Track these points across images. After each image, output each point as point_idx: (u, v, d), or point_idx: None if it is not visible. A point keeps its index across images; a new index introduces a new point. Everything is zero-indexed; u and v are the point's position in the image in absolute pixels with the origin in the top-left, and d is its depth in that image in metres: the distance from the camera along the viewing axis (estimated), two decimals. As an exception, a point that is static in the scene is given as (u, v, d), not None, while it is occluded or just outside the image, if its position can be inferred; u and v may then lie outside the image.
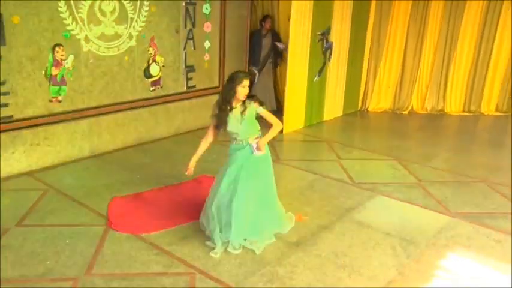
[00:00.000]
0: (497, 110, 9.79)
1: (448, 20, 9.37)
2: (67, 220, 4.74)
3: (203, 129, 7.96)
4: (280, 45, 8.89)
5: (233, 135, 4.35)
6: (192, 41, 7.66)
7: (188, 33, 7.57)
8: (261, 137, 4.36)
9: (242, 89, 4.18)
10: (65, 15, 5.92)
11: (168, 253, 4.18)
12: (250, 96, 4.28)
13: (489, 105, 9.80)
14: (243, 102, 4.25)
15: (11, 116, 5.69)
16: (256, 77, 8.97)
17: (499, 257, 4.34)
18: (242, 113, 4.25)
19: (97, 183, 5.67)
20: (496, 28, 9.29)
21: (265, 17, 8.90)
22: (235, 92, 4.17)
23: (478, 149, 7.53)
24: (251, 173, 4.31)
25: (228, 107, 4.24)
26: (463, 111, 9.83)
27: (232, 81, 4.19)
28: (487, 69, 9.56)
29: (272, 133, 4.35)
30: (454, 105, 9.86)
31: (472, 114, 9.76)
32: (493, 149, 7.60)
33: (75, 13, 6.02)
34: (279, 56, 9.12)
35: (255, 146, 4.29)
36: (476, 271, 4.11)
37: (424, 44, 9.56)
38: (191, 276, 3.84)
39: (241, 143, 4.34)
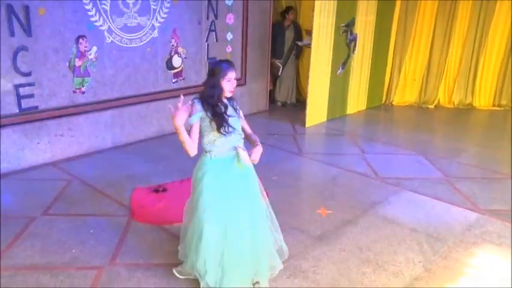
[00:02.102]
0: (529, 104, 9.62)
1: (478, 12, 9.17)
2: (91, 210, 4.83)
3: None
4: (301, 43, 8.88)
5: (226, 138, 3.43)
6: (214, 33, 7.70)
7: (210, 25, 7.60)
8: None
9: (228, 84, 3.38)
10: (89, 6, 6.00)
11: (191, 245, 4.24)
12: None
13: (521, 99, 9.64)
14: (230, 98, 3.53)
15: (36, 107, 5.81)
16: (280, 70, 8.98)
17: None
18: (235, 108, 3.56)
19: (120, 174, 5.75)
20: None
21: (288, 9, 8.88)
22: (221, 89, 3.37)
23: (508, 145, 7.40)
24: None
25: (222, 106, 3.40)
26: (493, 105, 9.67)
27: (214, 76, 3.38)
28: (519, 63, 9.38)
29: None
30: (483, 99, 9.70)
31: (502, 108, 9.57)
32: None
33: (99, 5, 6.10)
34: (301, 48, 9.11)
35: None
36: (506, 270, 4.06)
37: (452, 35, 9.40)
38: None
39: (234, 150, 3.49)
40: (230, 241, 3.42)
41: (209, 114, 3.36)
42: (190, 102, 3.38)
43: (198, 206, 3.44)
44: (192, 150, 3.40)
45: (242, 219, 3.46)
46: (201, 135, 3.46)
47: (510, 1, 8.95)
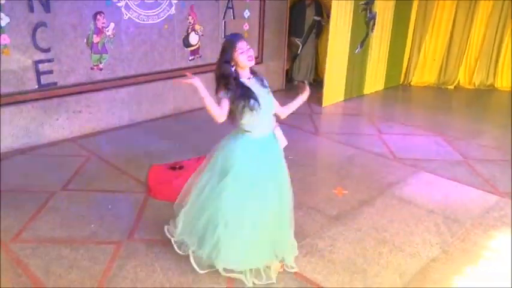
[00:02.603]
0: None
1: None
2: (109, 186, 4.90)
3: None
4: (317, 18, 8.81)
5: (260, 117, 3.35)
6: (231, 10, 7.66)
7: (228, 2, 7.57)
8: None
9: (241, 56, 3.24)
10: (107, -18, 6.02)
11: (208, 221, 4.28)
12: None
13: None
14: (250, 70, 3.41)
15: (55, 83, 5.86)
16: (300, 48, 8.93)
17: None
18: (262, 79, 3.50)
19: (137, 151, 5.81)
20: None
21: None
22: (235, 63, 3.27)
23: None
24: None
25: (242, 81, 3.31)
26: (515, 86, 9.55)
27: (225, 51, 3.27)
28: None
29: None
30: (505, 80, 9.54)
31: (526, 90, 9.45)
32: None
33: (117, -20, 6.11)
34: (322, 26, 9.04)
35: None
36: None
37: (475, 14, 9.24)
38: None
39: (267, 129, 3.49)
40: (256, 230, 3.39)
41: (237, 94, 3.23)
42: (217, 86, 3.29)
43: (224, 192, 3.33)
44: (219, 116, 3.26)
45: (271, 207, 3.41)
46: (237, 117, 3.37)
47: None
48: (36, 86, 5.71)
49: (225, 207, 3.34)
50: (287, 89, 8.97)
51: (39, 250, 3.78)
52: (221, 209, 3.34)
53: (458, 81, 9.71)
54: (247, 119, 3.32)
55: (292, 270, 3.61)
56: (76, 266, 3.60)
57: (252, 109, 3.24)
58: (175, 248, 3.70)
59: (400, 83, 9.83)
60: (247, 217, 3.36)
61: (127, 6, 6.29)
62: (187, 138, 6.32)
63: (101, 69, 6.25)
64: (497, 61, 9.46)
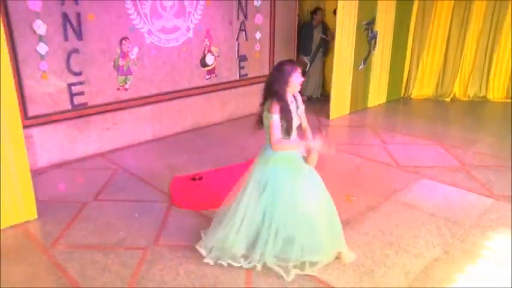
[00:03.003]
0: (540, 97, 9.43)
1: (492, 8, 9.01)
2: (135, 196, 4.95)
3: (254, 115, 8.10)
4: (323, 36, 8.88)
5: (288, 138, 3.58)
6: (244, 32, 7.74)
7: (240, 25, 7.65)
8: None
9: (296, 80, 3.49)
10: (131, 10, 6.12)
11: (226, 228, 4.32)
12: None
13: (533, 92, 9.45)
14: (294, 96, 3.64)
15: (86, 103, 5.97)
16: (308, 66, 8.98)
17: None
18: (298, 106, 3.66)
19: (159, 164, 5.86)
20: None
21: (316, 10, 8.86)
22: (289, 83, 3.48)
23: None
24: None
25: (288, 104, 3.50)
26: (506, 97, 9.45)
27: (283, 72, 3.47)
28: (531, 57, 9.20)
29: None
30: (496, 92, 9.51)
31: (515, 101, 9.42)
32: (535, 135, 7.36)
33: (140, 9, 6.21)
34: (328, 45, 9.09)
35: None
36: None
37: (467, 32, 9.24)
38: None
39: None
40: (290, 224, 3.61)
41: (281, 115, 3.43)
42: (271, 102, 3.44)
43: (268, 188, 3.56)
44: (298, 144, 3.61)
45: (321, 205, 3.69)
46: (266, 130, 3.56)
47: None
48: (70, 107, 5.82)
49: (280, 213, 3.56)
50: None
51: (75, 255, 3.85)
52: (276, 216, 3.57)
53: (454, 94, 9.67)
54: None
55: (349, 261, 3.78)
56: (108, 269, 3.66)
57: (286, 132, 3.51)
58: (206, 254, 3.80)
59: (401, 96, 9.81)
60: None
61: (149, 32, 6.39)
62: (206, 151, 6.37)
63: (126, 90, 6.34)
64: (488, 74, 9.44)
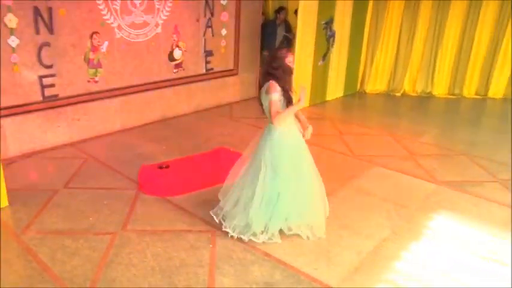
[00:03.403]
0: (476, 93, 9.75)
1: (436, 13, 9.27)
2: (104, 184, 4.88)
3: (219, 107, 8.17)
4: (286, 34, 8.90)
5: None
6: (210, 29, 7.67)
7: (207, 22, 7.58)
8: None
9: (289, 64, 3.73)
10: (102, 6, 5.99)
11: (191, 213, 4.30)
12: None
13: (470, 89, 9.76)
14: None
15: (57, 95, 5.82)
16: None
17: (476, 217, 4.45)
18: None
19: (128, 153, 5.78)
20: (477, 22, 9.21)
21: (280, 9, 8.85)
22: (286, 66, 3.71)
23: (460, 127, 7.54)
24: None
25: (288, 84, 3.74)
26: (448, 94, 9.77)
27: (279, 58, 3.70)
28: (468, 58, 9.48)
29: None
30: (440, 88, 9.78)
31: (455, 96, 9.68)
32: (472, 127, 7.59)
33: (110, 5, 6.08)
34: (291, 43, 9.11)
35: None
36: (457, 229, 4.23)
37: (415, 34, 9.45)
38: (212, 234, 3.96)
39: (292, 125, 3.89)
40: (300, 198, 3.85)
41: (281, 93, 3.65)
42: (269, 84, 3.66)
43: (279, 169, 3.75)
44: (292, 108, 3.72)
45: (308, 178, 3.90)
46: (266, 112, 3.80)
47: (463, 1, 9.10)
48: (41, 98, 5.66)
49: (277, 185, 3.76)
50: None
51: (46, 240, 3.77)
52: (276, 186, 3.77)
53: (404, 89, 9.87)
54: None
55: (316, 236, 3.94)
56: (78, 253, 3.60)
57: (288, 106, 3.71)
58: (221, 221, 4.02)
59: (357, 90, 9.93)
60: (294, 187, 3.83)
61: (119, 27, 6.26)
62: (173, 141, 6.31)
63: (96, 82, 6.21)
64: (433, 72, 9.71)
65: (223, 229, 3.94)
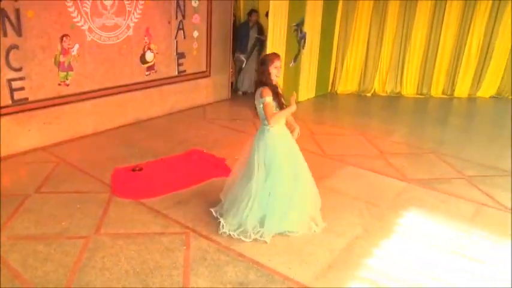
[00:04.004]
0: (443, 93, 10.02)
1: (403, 16, 9.51)
2: (77, 188, 4.80)
3: (193, 109, 8.14)
4: (258, 36, 8.95)
5: None
6: (182, 31, 7.63)
7: (179, 24, 7.54)
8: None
9: (274, 70, 3.87)
10: (72, 8, 5.89)
11: (165, 216, 4.28)
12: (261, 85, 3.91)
13: (437, 89, 10.02)
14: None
15: (27, 98, 5.69)
16: (244, 63, 9.01)
17: (444, 213, 4.57)
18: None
19: (101, 157, 5.70)
20: (442, 23, 9.48)
21: (251, 11, 8.90)
22: (269, 73, 3.86)
23: (428, 126, 7.73)
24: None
25: (277, 88, 3.93)
26: (417, 93, 10.02)
27: (264, 64, 3.89)
28: (435, 59, 9.76)
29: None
30: (409, 88, 10.03)
31: (423, 96, 9.95)
32: (440, 126, 7.80)
33: (80, 7, 5.98)
34: (263, 44, 9.15)
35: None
36: (427, 226, 4.33)
37: (384, 36, 9.67)
38: (186, 235, 3.95)
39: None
40: (296, 192, 4.02)
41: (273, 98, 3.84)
42: (261, 88, 3.84)
43: (272, 169, 3.93)
44: (287, 110, 3.95)
45: (300, 174, 4.08)
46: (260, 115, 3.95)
47: (428, 1, 9.33)
48: (10, 102, 5.53)
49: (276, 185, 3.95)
50: (232, 99, 9.00)
51: (17, 246, 3.68)
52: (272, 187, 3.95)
53: (374, 90, 10.06)
54: None
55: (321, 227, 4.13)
56: (50, 259, 3.54)
57: (280, 109, 3.92)
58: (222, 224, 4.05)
59: (328, 91, 10.04)
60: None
61: (90, 30, 6.17)
62: (146, 143, 6.25)
63: (67, 85, 6.09)
64: (402, 73, 9.94)
65: (220, 226, 4.04)
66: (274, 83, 3.92)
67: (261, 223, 3.98)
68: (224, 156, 5.78)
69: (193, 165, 5.47)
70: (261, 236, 3.92)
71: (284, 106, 3.96)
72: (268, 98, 3.83)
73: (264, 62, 3.92)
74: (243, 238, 3.90)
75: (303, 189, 4.10)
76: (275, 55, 3.97)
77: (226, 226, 4.00)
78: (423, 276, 3.54)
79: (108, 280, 3.32)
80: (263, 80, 3.90)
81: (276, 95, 3.90)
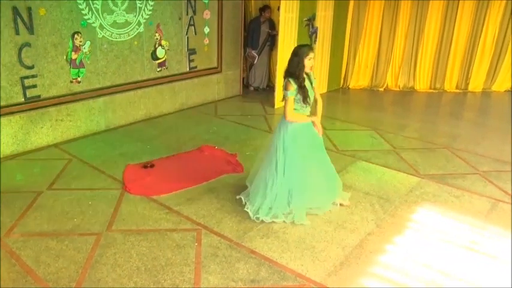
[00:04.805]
0: (457, 87, 9.87)
1: (416, 9, 9.35)
2: (89, 184, 4.80)
3: (204, 105, 8.14)
4: (269, 31, 8.88)
5: (306, 107, 4.07)
6: (193, 27, 7.61)
7: (190, 20, 7.52)
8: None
9: (309, 62, 3.92)
10: (83, 6, 5.89)
11: (177, 212, 4.26)
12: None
13: (450, 83, 9.87)
14: (307, 73, 4.04)
15: (39, 96, 5.72)
16: (256, 59, 8.96)
17: (458, 209, 4.49)
18: (311, 81, 4.10)
19: (113, 153, 5.71)
20: (456, 16, 9.31)
21: (264, 7, 8.82)
22: (303, 66, 3.89)
23: (441, 121, 7.62)
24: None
25: (304, 81, 3.95)
26: (430, 88, 9.88)
27: (298, 55, 3.90)
28: (448, 53, 9.60)
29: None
30: (422, 83, 9.88)
31: (436, 91, 9.80)
32: (453, 121, 7.67)
33: (91, 4, 5.98)
34: (275, 40, 9.09)
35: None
36: (440, 222, 4.25)
37: (396, 30, 9.53)
38: (197, 232, 3.93)
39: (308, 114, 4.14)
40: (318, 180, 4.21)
41: (297, 89, 3.89)
42: (285, 80, 3.93)
43: (296, 161, 4.05)
44: (305, 119, 4.08)
45: (321, 163, 4.27)
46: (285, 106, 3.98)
47: (440, 0, 9.19)
48: (23, 99, 5.56)
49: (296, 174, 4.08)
50: (243, 94, 8.98)
51: (29, 243, 3.70)
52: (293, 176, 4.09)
53: (387, 84, 9.94)
54: (298, 109, 4.02)
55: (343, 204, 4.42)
56: (62, 255, 3.54)
57: (304, 103, 3.98)
58: (249, 211, 4.21)
59: (340, 86, 9.97)
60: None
61: (101, 26, 6.17)
62: (157, 140, 6.25)
63: (79, 82, 6.11)
64: (415, 68, 9.80)
65: (250, 212, 4.19)
66: (306, 74, 3.98)
67: (288, 203, 4.16)
68: (235, 151, 5.76)
69: (204, 161, 5.45)
70: (292, 219, 4.10)
71: (308, 99, 3.99)
72: (291, 93, 3.89)
73: (298, 54, 3.91)
74: (276, 221, 4.08)
75: (321, 177, 4.26)
76: (309, 47, 3.98)
77: (254, 210, 4.16)
78: (436, 272, 3.48)
79: (120, 277, 3.31)
80: (295, 72, 3.90)
81: (301, 88, 3.91)
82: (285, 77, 3.99)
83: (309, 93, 3.99)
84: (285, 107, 3.95)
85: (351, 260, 3.60)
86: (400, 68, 9.85)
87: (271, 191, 4.12)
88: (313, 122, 4.13)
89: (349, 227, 4.09)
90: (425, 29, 9.46)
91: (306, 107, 4.05)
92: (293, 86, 3.90)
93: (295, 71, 3.90)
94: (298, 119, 4.03)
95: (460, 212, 4.42)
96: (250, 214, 4.16)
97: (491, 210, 4.47)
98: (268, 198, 4.13)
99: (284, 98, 3.99)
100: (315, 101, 4.22)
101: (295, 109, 4.00)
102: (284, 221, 4.09)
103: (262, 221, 4.09)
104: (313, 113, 4.20)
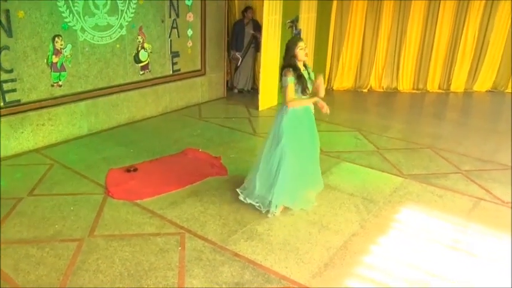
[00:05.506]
0: (439, 88, 9.98)
1: (398, 12, 9.45)
2: (71, 190, 4.73)
3: (188, 108, 8.09)
4: (253, 32, 8.88)
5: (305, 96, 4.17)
6: (176, 30, 7.56)
7: (172, 23, 7.47)
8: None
9: (301, 51, 4.01)
10: (63, 8, 5.81)
11: (160, 216, 4.21)
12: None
13: (433, 84, 9.97)
14: (303, 63, 4.14)
15: (19, 100, 5.62)
16: (240, 61, 8.94)
17: (441, 208, 4.52)
18: (309, 72, 4.19)
19: (95, 157, 5.63)
20: (437, 18, 9.42)
21: (246, 8, 8.81)
22: (295, 55, 4.00)
23: (424, 121, 7.69)
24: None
25: (301, 71, 4.04)
26: (413, 89, 9.97)
27: (289, 47, 4.04)
28: (430, 54, 9.70)
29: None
30: (405, 84, 9.97)
31: (419, 91, 9.89)
32: (436, 121, 7.74)
33: (72, 7, 5.90)
34: (259, 42, 9.08)
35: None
36: (423, 221, 4.28)
37: (379, 31, 9.60)
38: (181, 236, 3.89)
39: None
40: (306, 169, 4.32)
41: (296, 79, 3.98)
42: (285, 69, 4.01)
43: (282, 146, 4.14)
44: (307, 101, 4.21)
45: (312, 151, 4.39)
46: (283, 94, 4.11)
47: (422, 1, 9.29)
48: (2, 104, 5.45)
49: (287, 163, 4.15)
50: (228, 97, 8.94)
51: (9, 251, 3.61)
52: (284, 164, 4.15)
53: (370, 86, 10.00)
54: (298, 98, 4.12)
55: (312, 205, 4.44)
56: (43, 262, 3.47)
57: (304, 93, 4.10)
58: (255, 203, 4.37)
59: (324, 87, 9.97)
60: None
61: (82, 29, 6.10)
62: (140, 144, 6.18)
63: (60, 86, 6.02)
64: (398, 68, 9.88)
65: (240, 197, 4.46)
66: (301, 64, 4.07)
67: (270, 193, 4.23)
68: (220, 154, 5.73)
69: (188, 164, 5.42)
70: (270, 210, 4.22)
71: (307, 90, 4.10)
72: (290, 79, 3.98)
73: (289, 47, 4.04)
74: (254, 203, 4.33)
75: (312, 171, 4.41)
76: (297, 38, 4.18)
77: (246, 195, 4.43)
78: (421, 272, 3.49)
79: (102, 283, 3.26)
80: (290, 62, 4.01)
81: (299, 78, 4.01)
82: (282, 69, 4.09)
83: (308, 84, 4.09)
84: (285, 94, 4.05)
85: (335, 261, 3.59)
86: (384, 69, 9.92)
87: (262, 179, 4.28)
88: (315, 103, 4.26)
89: (333, 228, 4.08)
90: (407, 31, 9.56)
91: (305, 97, 4.17)
92: (293, 73, 3.99)
93: (290, 62, 4.02)
94: (299, 103, 4.12)
95: (443, 211, 4.45)
96: (243, 199, 4.43)
97: (473, 209, 4.51)
98: (258, 186, 4.30)
99: (283, 86, 4.06)
100: (317, 84, 4.26)
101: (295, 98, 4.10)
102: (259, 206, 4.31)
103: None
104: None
